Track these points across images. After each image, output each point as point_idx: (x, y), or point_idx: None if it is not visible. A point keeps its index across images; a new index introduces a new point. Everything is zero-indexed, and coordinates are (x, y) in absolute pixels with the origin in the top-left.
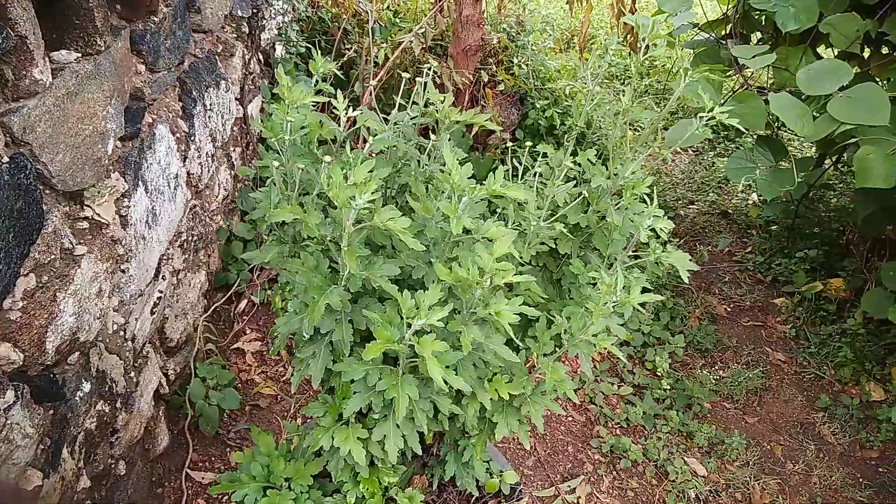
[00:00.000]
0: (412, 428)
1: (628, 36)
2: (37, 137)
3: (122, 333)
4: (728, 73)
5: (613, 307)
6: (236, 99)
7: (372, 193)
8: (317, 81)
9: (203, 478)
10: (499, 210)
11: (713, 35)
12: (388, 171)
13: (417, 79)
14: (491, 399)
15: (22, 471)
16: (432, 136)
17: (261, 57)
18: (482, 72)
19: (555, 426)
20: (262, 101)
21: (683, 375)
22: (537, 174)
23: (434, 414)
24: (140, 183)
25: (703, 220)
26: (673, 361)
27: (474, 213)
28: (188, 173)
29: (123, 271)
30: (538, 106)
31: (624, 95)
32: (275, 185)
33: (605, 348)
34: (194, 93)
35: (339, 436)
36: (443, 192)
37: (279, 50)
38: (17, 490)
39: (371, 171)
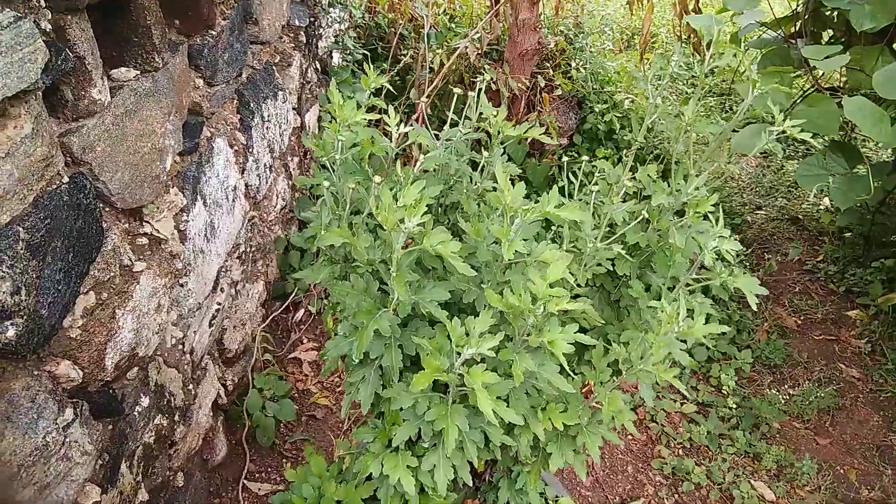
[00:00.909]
0: (462, 458)
1: (691, 36)
2: (96, 157)
3: (180, 347)
4: (797, 74)
5: (675, 337)
6: (294, 108)
7: (422, 216)
8: (370, 95)
9: (259, 489)
10: (554, 227)
11: (781, 33)
12: (440, 190)
13: (470, 93)
14: (545, 429)
15: (80, 487)
16: (485, 153)
17: (318, 65)
18: (539, 76)
19: (613, 444)
20: (320, 110)
21: (750, 393)
22: (594, 192)
23: (485, 443)
24: (198, 197)
25: (771, 227)
26: (739, 378)
27: (528, 234)
28: (246, 185)
29: (182, 285)
30: (597, 110)
31: (687, 107)
32: (326, 204)
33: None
34: (252, 105)
35: (389, 463)
36: (496, 210)
37: (336, 58)
38: None
39: (422, 191)
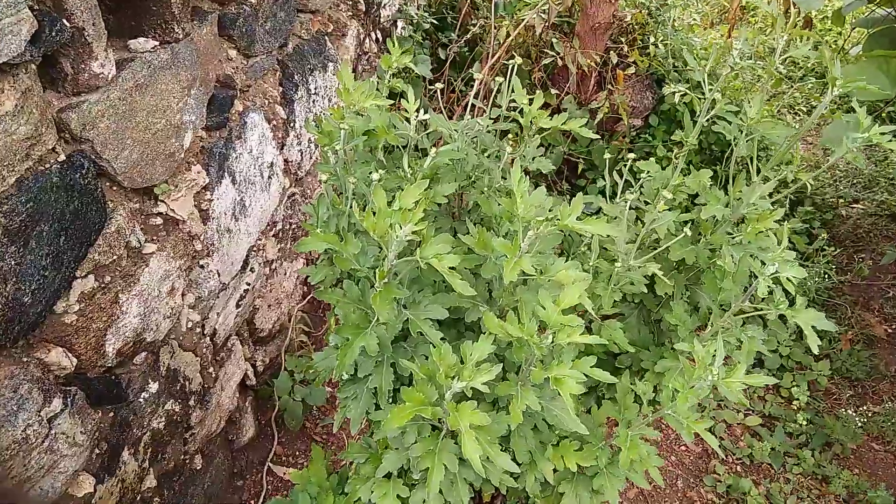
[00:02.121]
0: (457, 494)
1: (789, 10)
2: (99, 134)
3: (198, 330)
4: None
5: (708, 386)
6: None
7: (417, 223)
8: (390, 76)
9: (285, 473)
10: (585, 239)
11: (893, 11)
12: (454, 188)
13: (497, 78)
14: (555, 469)
15: (70, 478)
16: (508, 147)
17: (379, 35)
18: (612, 52)
19: (664, 455)
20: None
21: (825, 408)
22: (628, 201)
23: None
24: (226, 174)
25: (867, 223)
26: (814, 391)
27: (546, 247)
28: (285, 161)
29: (202, 267)
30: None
31: (751, 106)
32: (325, 198)
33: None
34: (296, 77)
35: (379, 490)
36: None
37: (399, 26)
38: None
39: (425, 192)
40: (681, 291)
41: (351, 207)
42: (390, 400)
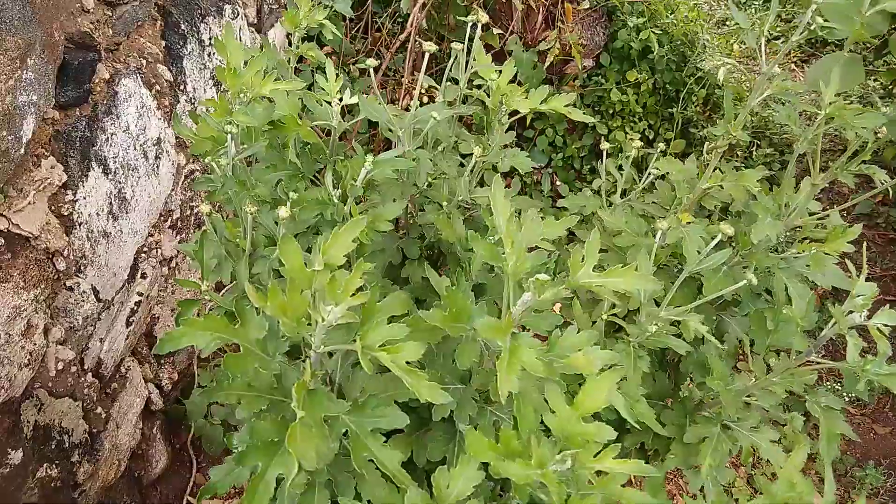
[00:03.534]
0: None
1: None
2: None
3: (74, 368)
4: None
5: None
6: (250, 25)
7: (354, 295)
8: (297, 43)
9: None
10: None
11: None
12: (401, 207)
13: (455, 45)
14: None
15: None
16: (473, 149)
17: None
18: None
19: None
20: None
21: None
22: (662, 231)
23: None
24: (94, 164)
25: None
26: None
27: (544, 306)
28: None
29: (71, 289)
30: (630, 24)
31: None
32: (209, 237)
33: None
34: (183, 26)
35: None
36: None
37: None
38: None
39: (361, 234)
40: (710, 325)
41: (248, 246)
42: None
